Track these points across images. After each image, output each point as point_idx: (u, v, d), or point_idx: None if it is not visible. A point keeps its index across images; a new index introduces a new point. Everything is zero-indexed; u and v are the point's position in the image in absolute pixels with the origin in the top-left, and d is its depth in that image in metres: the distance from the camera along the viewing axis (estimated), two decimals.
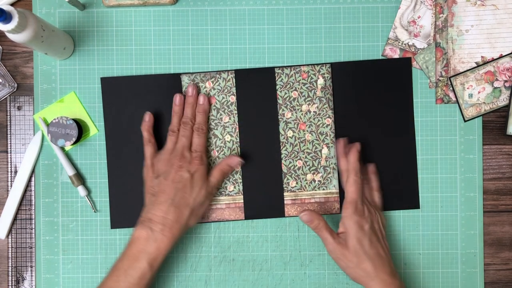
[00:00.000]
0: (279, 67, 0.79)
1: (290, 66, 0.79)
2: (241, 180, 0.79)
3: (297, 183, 0.79)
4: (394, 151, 0.79)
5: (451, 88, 0.79)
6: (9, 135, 0.80)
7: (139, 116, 0.78)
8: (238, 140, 0.79)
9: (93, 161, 0.80)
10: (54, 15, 0.80)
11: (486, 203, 0.80)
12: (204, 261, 0.80)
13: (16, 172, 0.80)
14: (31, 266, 0.80)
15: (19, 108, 0.80)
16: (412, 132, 0.79)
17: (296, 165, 0.79)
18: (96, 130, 0.80)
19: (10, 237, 0.80)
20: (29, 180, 0.80)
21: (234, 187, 0.79)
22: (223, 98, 0.78)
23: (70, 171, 0.79)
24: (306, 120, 0.78)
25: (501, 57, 0.79)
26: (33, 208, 0.80)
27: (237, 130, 0.79)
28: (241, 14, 0.80)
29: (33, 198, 0.80)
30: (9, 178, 0.80)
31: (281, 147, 0.79)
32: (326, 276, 0.79)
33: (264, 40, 0.80)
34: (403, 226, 0.80)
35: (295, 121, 0.79)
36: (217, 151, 0.79)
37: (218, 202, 0.79)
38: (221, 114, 0.79)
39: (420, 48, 0.79)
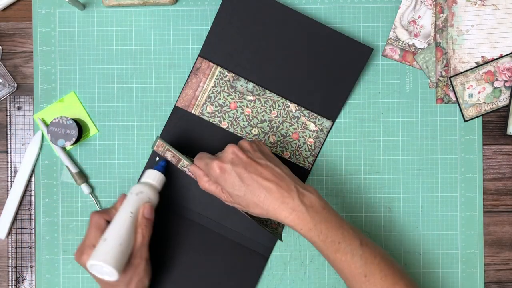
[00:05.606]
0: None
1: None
2: None
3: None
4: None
5: (451, 88, 0.79)
6: (9, 135, 0.80)
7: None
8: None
9: (93, 161, 0.80)
10: (54, 15, 0.80)
11: (486, 203, 0.80)
12: None
13: (16, 172, 0.80)
14: (31, 266, 0.80)
15: (19, 108, 0.80)
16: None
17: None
18: (96, 130, 0.80)
19: (10, 237, 0.80)
20: (29, 180, 0.80)
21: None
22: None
23: (73, 169, 0.79)
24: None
25: (501, 57, 0.79)
26: (33, 208, 0.80)
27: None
28: None
29: (33, 198, 0.80)
30: (9, 178, 0.80)
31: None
32: (327, 276, 0.79)
33: None
34: (403, 226, 0.80)
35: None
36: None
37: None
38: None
39: (420, 48, 0.79)
